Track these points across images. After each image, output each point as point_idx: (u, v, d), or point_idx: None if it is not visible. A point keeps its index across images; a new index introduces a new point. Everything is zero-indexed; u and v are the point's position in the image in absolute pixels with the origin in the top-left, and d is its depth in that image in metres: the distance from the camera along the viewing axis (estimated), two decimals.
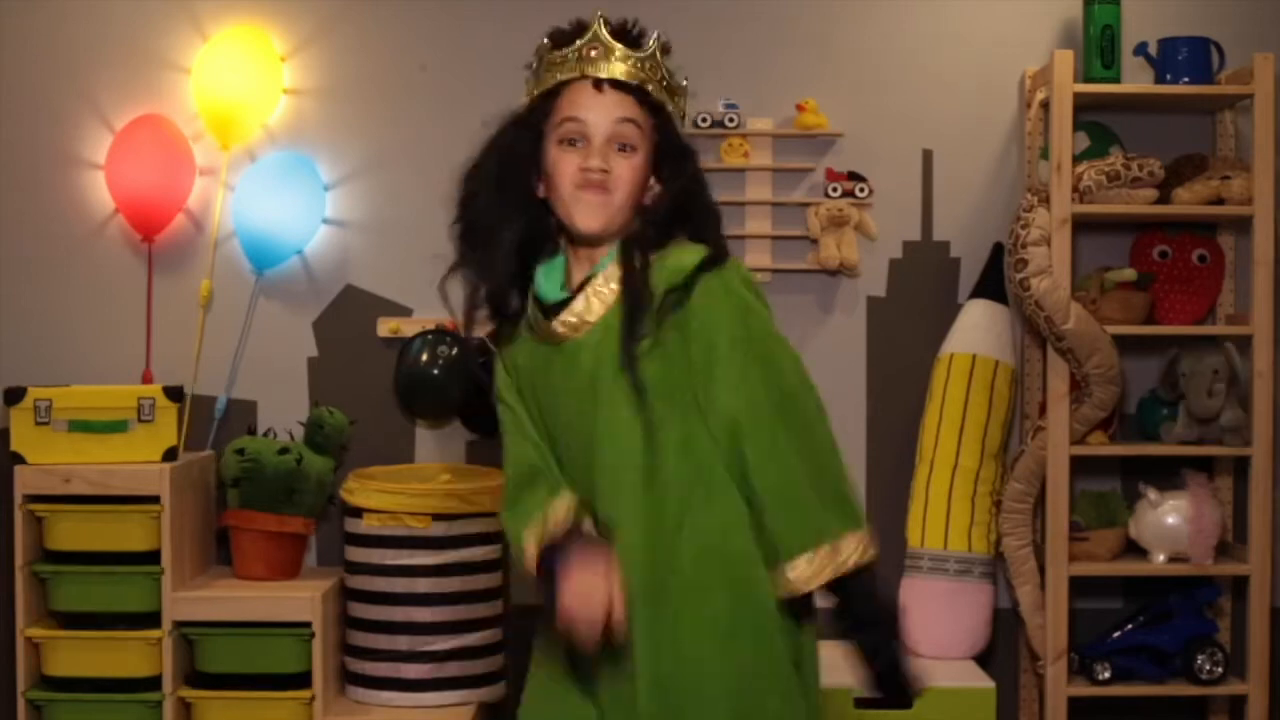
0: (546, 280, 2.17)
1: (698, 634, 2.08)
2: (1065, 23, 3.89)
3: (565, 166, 2.10)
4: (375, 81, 3.92)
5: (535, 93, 2.16)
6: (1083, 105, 3.67)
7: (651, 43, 2.17)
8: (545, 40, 2.19)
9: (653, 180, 2.15)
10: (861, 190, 3.86)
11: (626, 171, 2.11)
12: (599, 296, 2.12)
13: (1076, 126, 3.66)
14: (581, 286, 2.13)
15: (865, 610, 2.10)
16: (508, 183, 2.13)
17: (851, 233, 3.85)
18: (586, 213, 2.10)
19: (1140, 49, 3.76)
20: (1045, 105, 3.74)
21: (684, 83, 2.23)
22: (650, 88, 2.14)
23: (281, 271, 3.89)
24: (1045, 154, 3.72)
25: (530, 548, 2.12)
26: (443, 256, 2.21)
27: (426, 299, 3.89)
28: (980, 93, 3.93)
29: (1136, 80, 3.78)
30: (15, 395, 3.56)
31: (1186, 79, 3.69)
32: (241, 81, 3.80)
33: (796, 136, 3.88)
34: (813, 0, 3.93)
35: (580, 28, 2.17)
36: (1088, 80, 3.69)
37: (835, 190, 3.85)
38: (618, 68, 2.13)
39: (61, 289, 3.90)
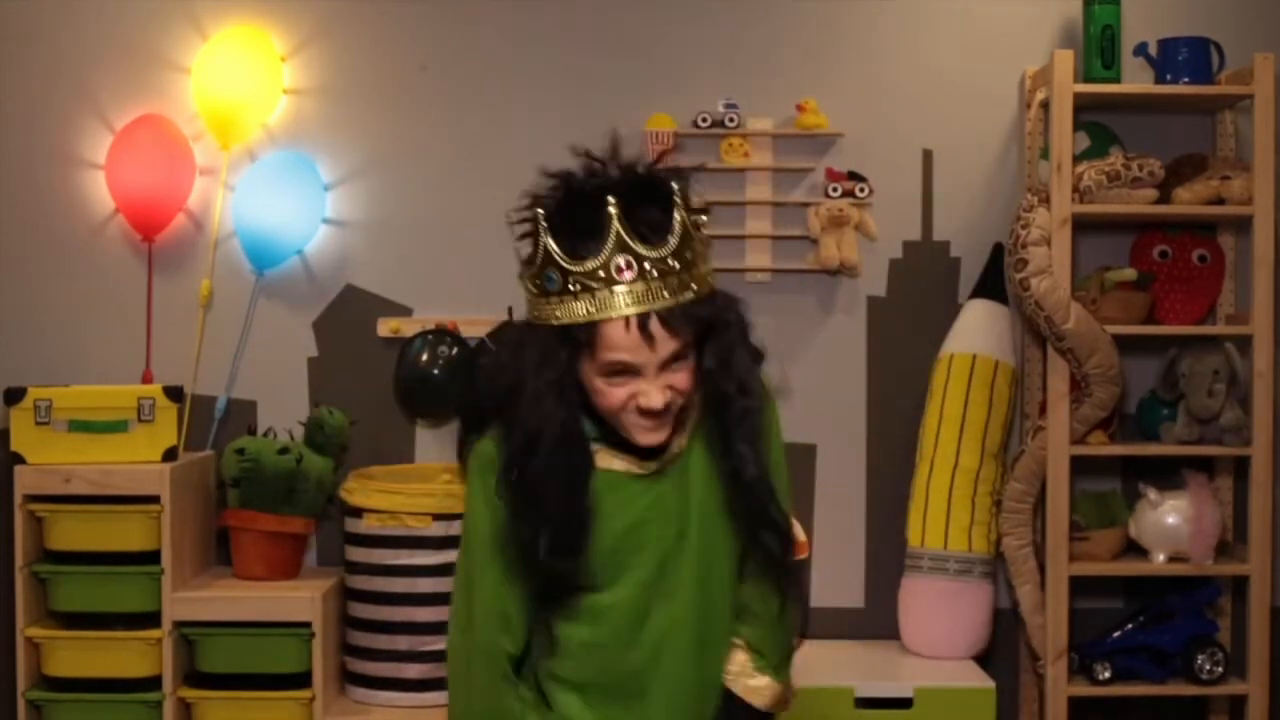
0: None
1: None
2: (1065, 23, 3.89)
3: (614, 396, 1.91)
4: (375, 81, 3.92)
5: (559, 319, 1.87)
6: (1083, 105, 3.67)
7: (674, 213, 1.87)
8: (548, 236, 1.85)
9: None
10: (861, 190, 3.86)
11: (683, 382, 1.93)
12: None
13: (1076, 126, 3.66)
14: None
15: None
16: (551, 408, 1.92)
17: (852, 233, 3.85)
18: (649, 436, 1.95)
19: (1140, 49, 3.76)
20: (1045, 105, 3.74)
21: (705, 216, 1.96)
22: (690, 294, 1.88)
23: (281, 271, 3.89)
24: (1045, 154, 3.72)
25: None
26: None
27: (426, 299, 3.90)
28: (980, 93, 3.93)
29: (1136, 80, 3.78)
30: (15, 395, 3.56)
31: (1186, 79, 3.69)
32: (241, 81, 3.80)
33: (796, 136, 3.88)
34: (813, 0, 3.93)
35: (593, 220, 1.84)
36: (1088, 80, 3.69)
37: (835, 190, 3.85)
38: (655, 289, 1.85)
39: (61, 289, 3.90)
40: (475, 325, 3.83)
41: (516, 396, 1.92)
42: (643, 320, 1.86)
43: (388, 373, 3.86)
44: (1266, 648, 3.66)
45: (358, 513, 3.62)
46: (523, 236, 1.91)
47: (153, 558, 3.51)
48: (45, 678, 3.55)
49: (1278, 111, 3.59)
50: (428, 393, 3.82)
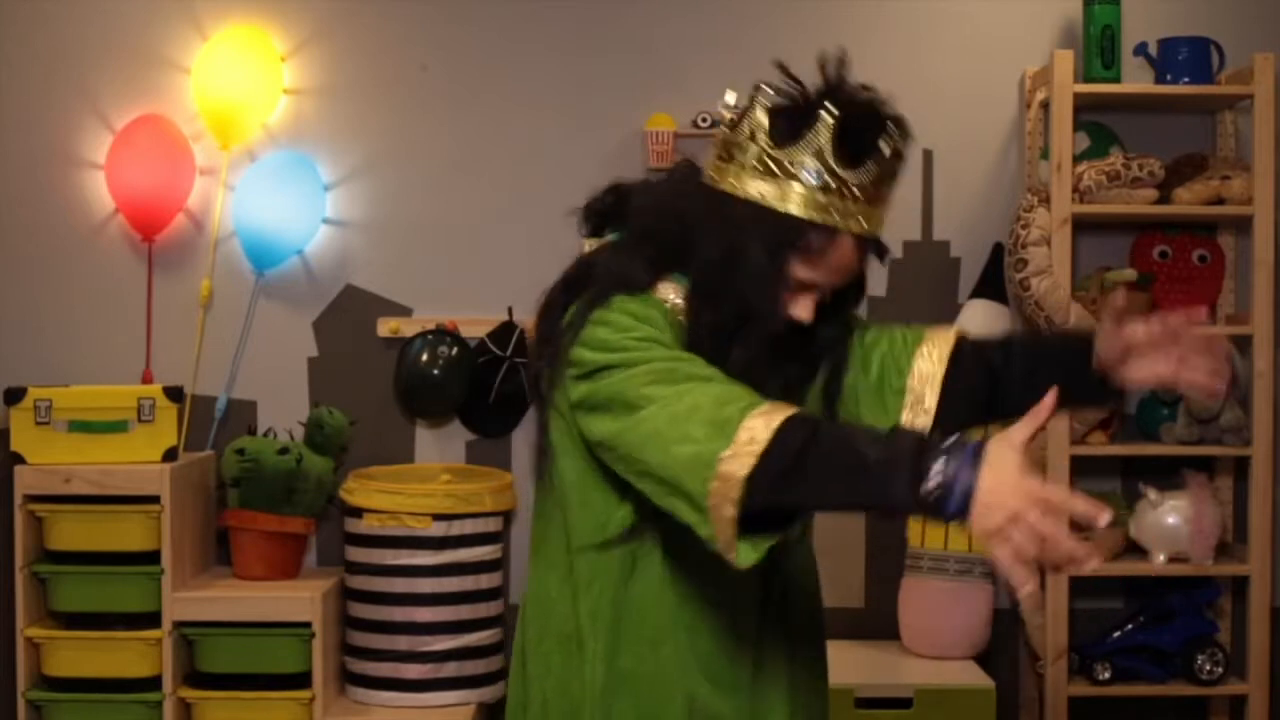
0: None
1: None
2: (1065, 23, 3.89)
3: (781, 305, 1.85)
4: (375, 81, 3.92)
5: (808, 216, 1.79)
6: (1083, 105, 3.67)
7: (900, 166, 1.84)
8: (830, 143, 1.77)
9: None
10: None
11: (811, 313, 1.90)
12: None
13: (1076, 126, 3.66)
14: None
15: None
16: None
17: None
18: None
19: (1140, 49, 3.76)
20: (1045, 105, 3.74)
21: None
22: (879, 231, 1.87)
23: (281, 271, 3.89)
24: (1045, 154, 3.72)
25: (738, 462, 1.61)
26: None
27: (426, 299, 3.90)
28: (980, 93, 3.93)
29: (1136, 80, 3.77)
30: (15, 395, 3.56)
31: (1186, 79, 3.69)
32: (241, 81, 3.80)
33: None
34: (813, 0, 3.93)
35: (866, 137, 1.79)
36: (1088, 80, 3.69)
37: None
38: (875, 219, 1.84)
39: (61, 289, 3.90)
40: (475, 325, 3.84)
41: (728, 271, 1.82)
42: (865, 246, 1.84)
43: (388, 373, 3.87)
44: (1266, 648, 3.66)
45: (358, 513, 3.62)
46: (780, 113, 1.81)
47: (153, 558, 3.51)
48: (45, 678, 3.55)
49: (1278, 111, 3.60)
50: (428, 393, 3.82)
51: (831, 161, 1.78)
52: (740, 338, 1.83)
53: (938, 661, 3.72)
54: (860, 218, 1.81)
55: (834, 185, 1.78)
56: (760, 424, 1.63)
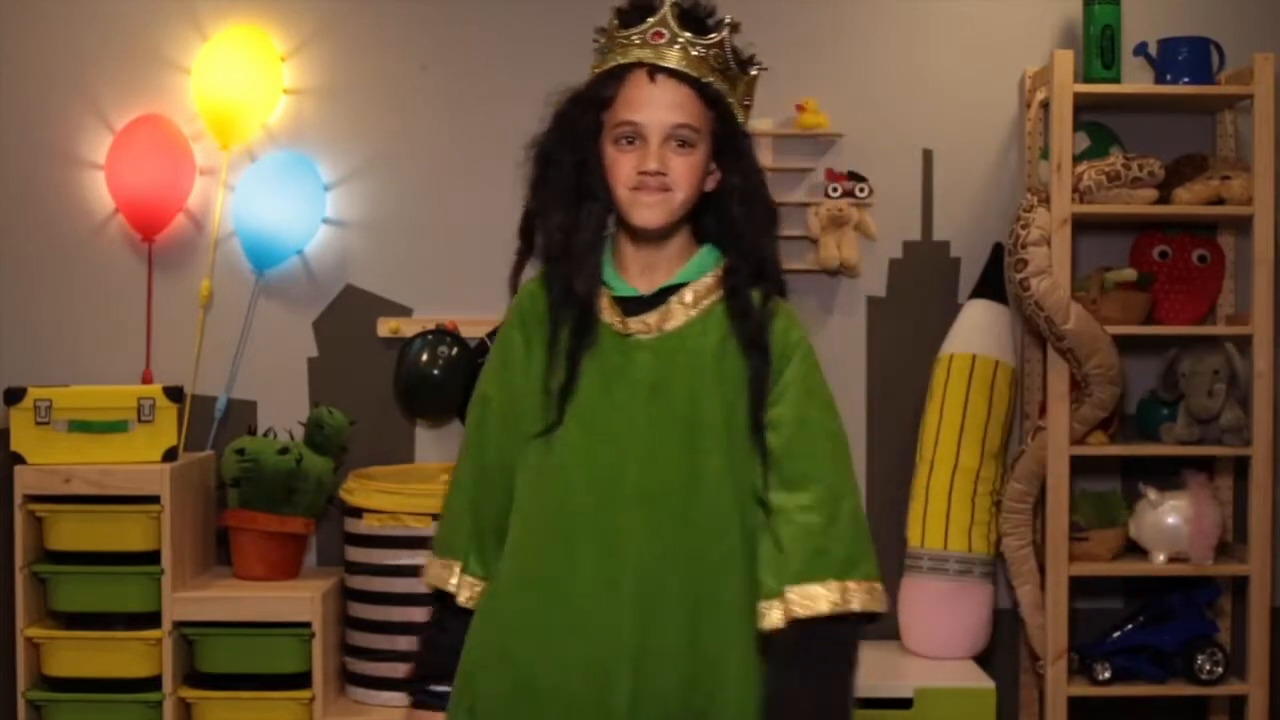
0: (608, 267, 2.11)
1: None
2: (1065, 23, 3.89)
3: (621, 168, 2.06)
4: (375, 81, 3.93)
5: (596, 70, 2.10)
6: (1083, 105, 3.67)
7: (720, 30, 2.07)
8: (613, 16, 2.11)
9: (713, 165, 2.09)
10: (861, 190, 3.86)
11: (685, 169, 2.05)
12: (683, 307, 2.08)
13: (1076, 126, 3.66)
14: (664, 294, 2.09)
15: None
16: (576, 165, 2.09)
17: (851, 233, 3.85)
18: (645, 212, 2.05)
19: (1140, 49, 3.76)
20: (1045, 105, 3.74)
21: (754, 68, 2.12)
22: (711, 79, 2.05)
23: (281, 271, 3.89)
24: (1045, 154, 3.72)
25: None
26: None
27: (426, 299, 3.90)
28: (980, 93, 3.93)
29: (1136, 80, 3.78)
30: (15, 395, 3.56)
31: (1186, 79, 3.69)
32: (241, 81, 3.80)
33: (796, 136, 3.88)
34: (813, 0, 3.93)
35: (649, 8, 2.07)
36: (1088, 80, 3.69)
37: (835, 190, 3.85)
38: (678, 56, 2.04)
39: (61, 289, 3.91)
40: (475, 325, 3.84)
41: (557, 138, 2.14)
42: (658, 70, 2.04)
43: (388, 373, 3.87)
44: (1266, 648, 3.66)
45: (358, 513, 3.62)
46: (598, 38, 2.15)
47: (153, 558, 3.51)
48: (45, 678, 3.55)
49: (1278, 111, 3.60)
50: (428, 393, 3.82)
51: (615, 25, 2.08)
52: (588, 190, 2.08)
53: (938, 662, 3.72)
54: (646, 56, 2.04)
55: (618, 42, 2.07)
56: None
